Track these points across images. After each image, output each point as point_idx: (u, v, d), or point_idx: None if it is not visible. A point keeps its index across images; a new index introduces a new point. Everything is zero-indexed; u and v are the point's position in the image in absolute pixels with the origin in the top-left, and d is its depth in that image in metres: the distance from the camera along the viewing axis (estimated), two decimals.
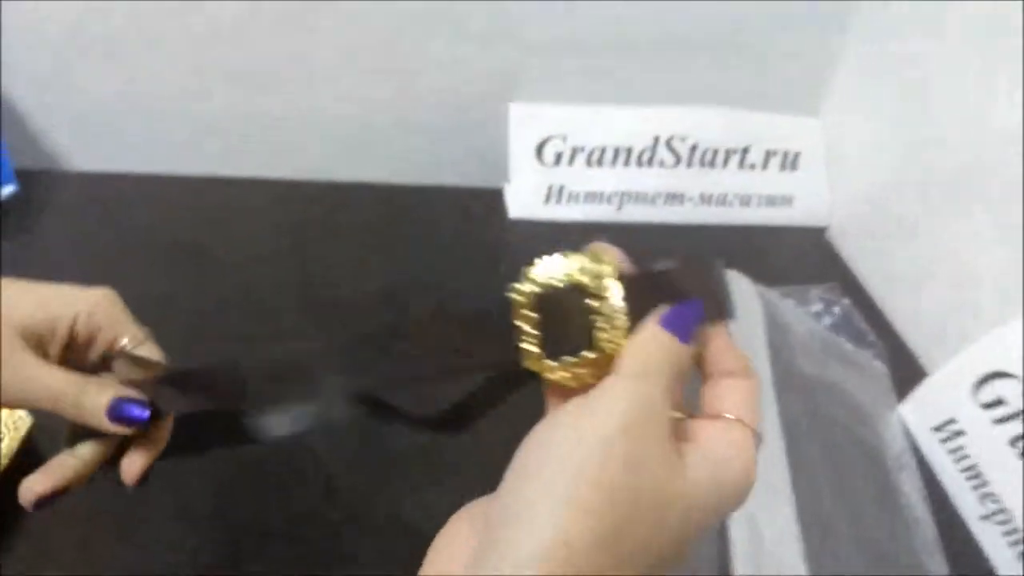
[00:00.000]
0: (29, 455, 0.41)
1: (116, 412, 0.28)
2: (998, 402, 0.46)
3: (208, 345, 0.49)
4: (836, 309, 0.58)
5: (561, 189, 0.65)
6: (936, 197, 0.58)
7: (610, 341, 0.23)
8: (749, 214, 0.68)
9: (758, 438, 0.23)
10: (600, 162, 0.66)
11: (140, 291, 0.32)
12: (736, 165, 0.67)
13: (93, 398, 0.28)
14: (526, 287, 0.23)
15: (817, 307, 0.58)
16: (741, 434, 0.22)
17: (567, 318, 0.23)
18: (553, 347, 0.23)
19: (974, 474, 0.46)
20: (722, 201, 0.68)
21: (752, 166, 0.68)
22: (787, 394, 0.50)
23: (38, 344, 0.29)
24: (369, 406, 0.31)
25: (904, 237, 0.62)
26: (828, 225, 0.70)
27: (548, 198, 0.65)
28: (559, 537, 0.18)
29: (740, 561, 0.39)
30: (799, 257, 0.68)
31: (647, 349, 0.22)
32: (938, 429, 0.49)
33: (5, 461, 0.41)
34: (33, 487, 0.28)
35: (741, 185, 0.68)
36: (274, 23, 0.60)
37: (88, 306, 0.31)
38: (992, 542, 0.44)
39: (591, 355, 0.23)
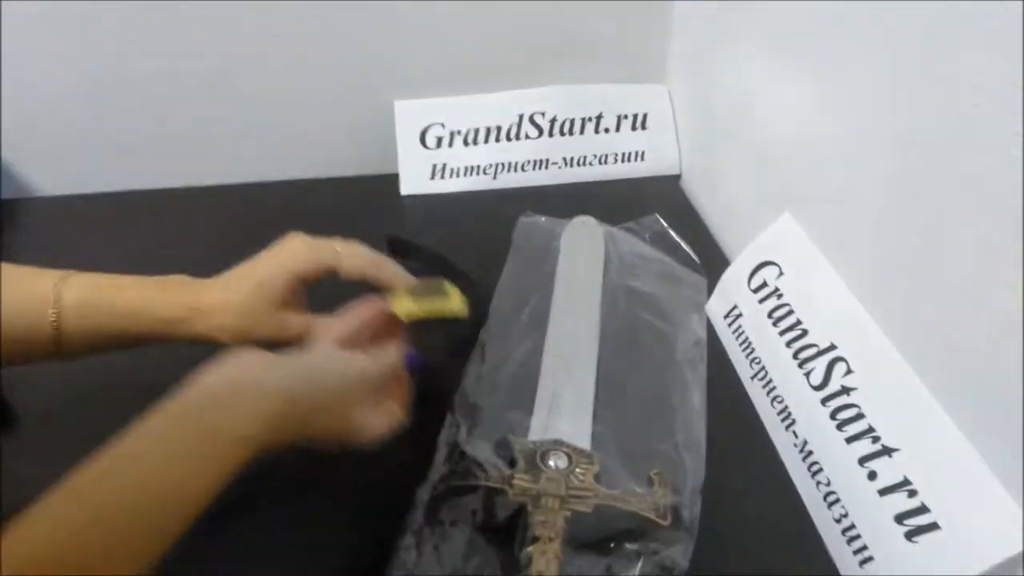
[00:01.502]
0: None
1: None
2: (763, 285, 0.57)
3: None
4: (664, 237, 0.69)
5: (444, 167, 0.78)
6: (749, 146, 0.69)
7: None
8: (607, 170, 0.81)
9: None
10: (475, 141, 0.79)
11: None
12: (592, 131, 0.80)
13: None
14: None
15: (648, 235, 0.69)
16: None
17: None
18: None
19: (747, 345, 0.57)
20: (582, 162, 0.80)
21: (606, 130, 0.80)
22: (611, 302, 0.62)
23: (302, 283, 0.47)
24: None
25: (730, 178, 0.73)
26: (680, 173, 0.82)
27: (433, 175, 0.78)
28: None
29: (538, 405, 0.51)
30: (657, 202, 0.78)
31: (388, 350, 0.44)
32: (727, 316, 0.60)
33: None
34: None
35: (598, 147, 0.80)
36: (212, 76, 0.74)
37: (350, 259, 0.47)
38: (757, 396, 0.55)
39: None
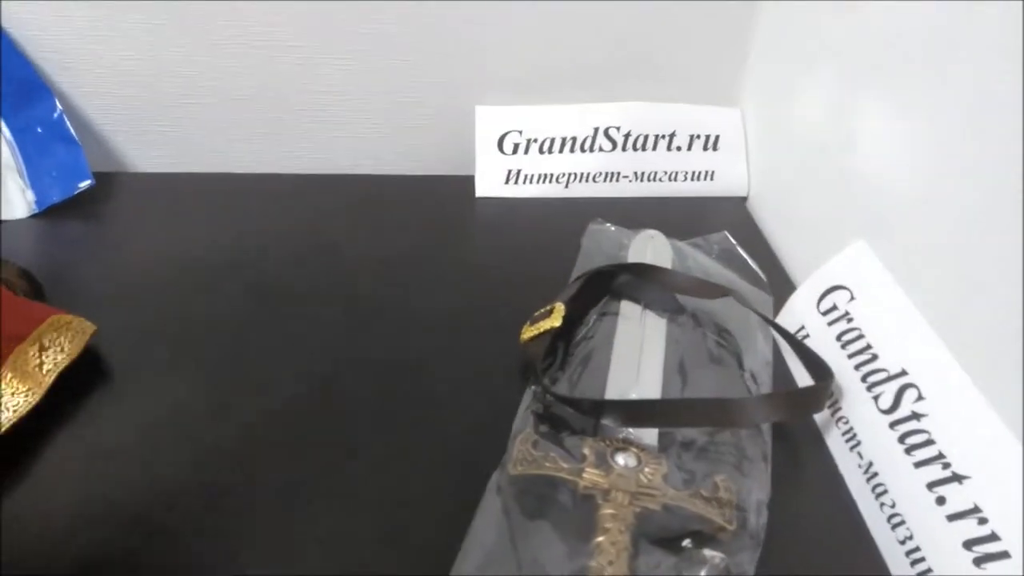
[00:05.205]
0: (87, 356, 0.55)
1: None
2: (833, 308, 0.58)
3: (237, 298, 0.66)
4: (731, 255, 0.71)
5: (519, 172, 0.81)
6: (820, 172, 0.70)
7: None
8: (676, 187, 0.82)
9: None
10: (550, 150, 0.81)
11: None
12: (664, 148, 0.82)
13: None
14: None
15: (716, 252, 0.71)
16: None
17: None
18: None
19: None
20: (652, 178, 0.82)
21: (678, 148, 0.82)
22: (677, 315, 0.64)
23: None
24: None
25: (799, 202, 0.74)
26: (748, 195, 0.83)
27: (508, 180, 0.81)
28: None
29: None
30: (723, 221, 0.80)
31: None
32: (794, 335, 0.61)
33: (67, 361, 0.52)
34: None
35: (669, 164, 0.82)
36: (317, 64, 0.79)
37: None
38: (820, 415, 0.56)
39: None
